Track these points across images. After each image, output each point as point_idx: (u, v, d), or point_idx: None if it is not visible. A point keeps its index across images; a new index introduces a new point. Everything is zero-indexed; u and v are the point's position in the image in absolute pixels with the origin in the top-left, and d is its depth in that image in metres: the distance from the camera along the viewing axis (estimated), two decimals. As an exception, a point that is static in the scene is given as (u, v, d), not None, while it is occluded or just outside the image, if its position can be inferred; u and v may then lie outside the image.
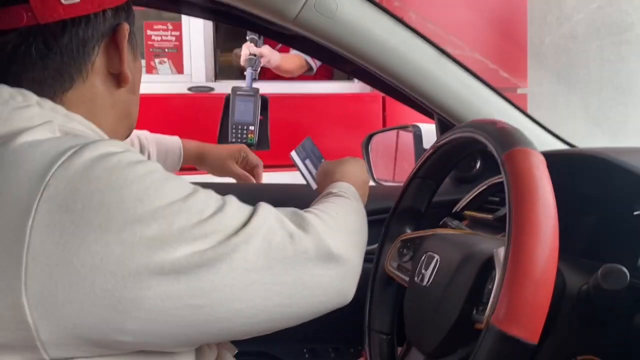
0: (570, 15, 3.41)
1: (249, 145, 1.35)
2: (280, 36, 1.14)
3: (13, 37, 0.57)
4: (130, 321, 0.47)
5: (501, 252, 0.64)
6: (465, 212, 1.06)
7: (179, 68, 2.22)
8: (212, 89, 2.18)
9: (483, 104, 1.08)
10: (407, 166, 1.34)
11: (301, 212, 0.63)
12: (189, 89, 2.17)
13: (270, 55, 1.99)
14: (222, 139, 1.38)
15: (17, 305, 0.44)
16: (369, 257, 1.14)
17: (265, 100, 1.39)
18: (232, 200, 0.56)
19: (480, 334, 0.56)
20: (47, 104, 0.57)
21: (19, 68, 0.57)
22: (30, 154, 0.47)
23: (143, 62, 2.20)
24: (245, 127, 1.37)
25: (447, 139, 0.78)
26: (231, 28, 2.44)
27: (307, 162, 1.17)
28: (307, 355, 1.27)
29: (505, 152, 0.62)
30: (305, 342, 1.28)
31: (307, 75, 2.32)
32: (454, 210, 1.09)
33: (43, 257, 0.44)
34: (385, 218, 1.07)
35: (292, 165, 1.16)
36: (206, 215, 0.51)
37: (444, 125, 1.15)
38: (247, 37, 1.89)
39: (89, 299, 0.45)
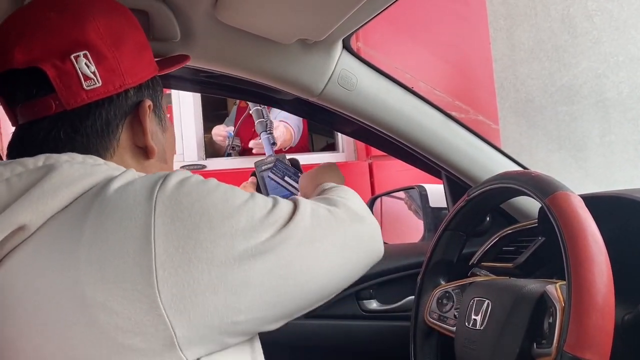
0: (525, 81, 3.68)
1: None
2: (272, 100, 1.21)
3: (44, 124, 0.62)
4: (243, 299, 0.55)
5: (552, 289, 0.70)
6: (483, 263, 1.12)
7: (170, 148, 2.27)
8: (204, 166, 2.23)
9: (487, 160, 1.17)
10: (415, 225, 1.40)
11: (325, 196, 0.76)
12: (182, 167, 2.22)
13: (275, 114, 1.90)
14: None
15: (154, 309, 0.51)
16: (403, 315, 1.18)
17: (296, 163, 1.23)
18: (276, 197, 0.65)
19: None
20: (112, 164, 0.62)
21: (51, 152, 0.61)
22: (131, 188, 0.55)
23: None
24: None
25: (478, 192, 0.85)
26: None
27: (287, 178, 1.21)
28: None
29: (547, 197, 0.69)
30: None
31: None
32: (470, 262, 1.15)
33: (168, 261, 0.52)
34: (412, 273, 1.12)
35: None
36: (269, 208, 0.61)
37: (452, 182, 1.23)
38: (250, 110, 1.82)
39: (209, 288, 0.53)
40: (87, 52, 0.61)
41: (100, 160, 0.61)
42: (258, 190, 1.20)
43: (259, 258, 0.56)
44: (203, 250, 0.53)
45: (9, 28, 0.63)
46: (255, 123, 1.69)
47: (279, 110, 2.33)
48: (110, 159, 0.64)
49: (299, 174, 1.14)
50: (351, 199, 0.76)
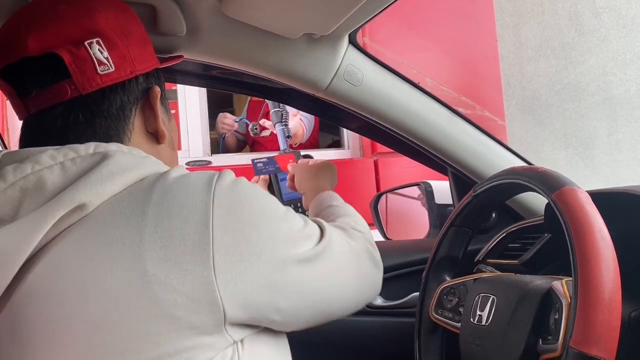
0: (532, 79, 3.66)
1: None
2: (277, 95, 1.21)
3: (60, 110, 0.63)
4: (282, 300, 0.61)
5: (558, 285, 0.70)
6: (488, 259, 1.12)
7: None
8: (209, 162, 2.23)
9: (493, 156, 1.17)
10: (421, 222, 1.39)
11: (343, 226, 0.78)
12: (187, 163, 2.23)
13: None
14: None
15: (210, 291, 0.55)
16: (408, 311, 1.18)
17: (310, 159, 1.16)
18: (302, 215, 0.69)
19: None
20: (153, 158, 0.65)
21: (74, 136, 0.63)
22: (190, 180, 0.59)
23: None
24: (299, 204, 1.20)
25: (484, 188, 0.85)
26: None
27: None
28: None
29: (553, 192, 0.68)
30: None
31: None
32: (476, 259, 1.14)
33: (223, 249, 0.56)
34: (417, 269, 1.12)
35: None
36: (302, 224, 0.66)
37: (458, 178, 1.23)
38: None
39: (256, 281, 0.58)
40: (99, 39, 0.64)
41: (142, 154, 0.64)
42: (269, 189, 1.20)
43: (298, 267, 0.62)
44: (252, 246, 0.58)
45: (18, 20, 0.65)
46: (271, 112, 1.55)
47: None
48: (128, 142, 0.66)
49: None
50: (366, 231, 0.81)
